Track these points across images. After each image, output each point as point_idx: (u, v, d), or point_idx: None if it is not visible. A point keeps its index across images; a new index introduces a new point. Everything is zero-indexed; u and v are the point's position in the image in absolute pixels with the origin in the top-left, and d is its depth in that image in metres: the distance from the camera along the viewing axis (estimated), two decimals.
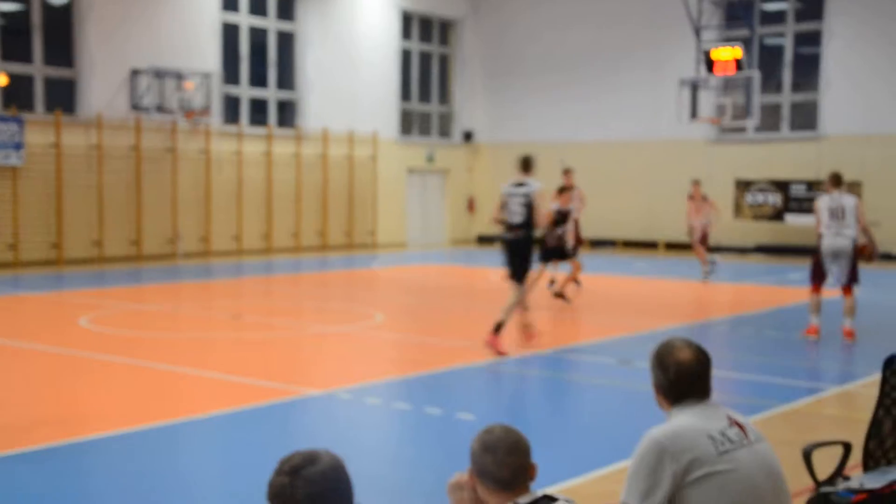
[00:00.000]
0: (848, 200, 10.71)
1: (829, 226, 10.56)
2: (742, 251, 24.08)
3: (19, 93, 19.67)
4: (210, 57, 22.19)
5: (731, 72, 20.80)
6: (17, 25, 19.78)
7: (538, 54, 27.60)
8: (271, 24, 24.25)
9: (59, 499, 5.23)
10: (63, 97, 20.27)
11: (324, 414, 7.46)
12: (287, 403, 7.60)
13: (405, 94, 27.57)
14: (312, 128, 24.60)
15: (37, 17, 19.81)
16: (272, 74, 24.35)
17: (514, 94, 28.27)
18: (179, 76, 21.14)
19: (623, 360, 9.34)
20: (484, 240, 28.62)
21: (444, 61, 29.13)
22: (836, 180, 10.82)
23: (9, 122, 18.73)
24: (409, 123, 27.98)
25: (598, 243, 26.32)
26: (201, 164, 22.23)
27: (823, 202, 10.72)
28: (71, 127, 19.89)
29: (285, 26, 24.56)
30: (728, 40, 22.65)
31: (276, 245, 23.57)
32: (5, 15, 19.73)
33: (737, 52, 20.77)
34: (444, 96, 29.21)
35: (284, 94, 24.69)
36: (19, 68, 19.73)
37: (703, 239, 17.70)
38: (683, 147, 24.99)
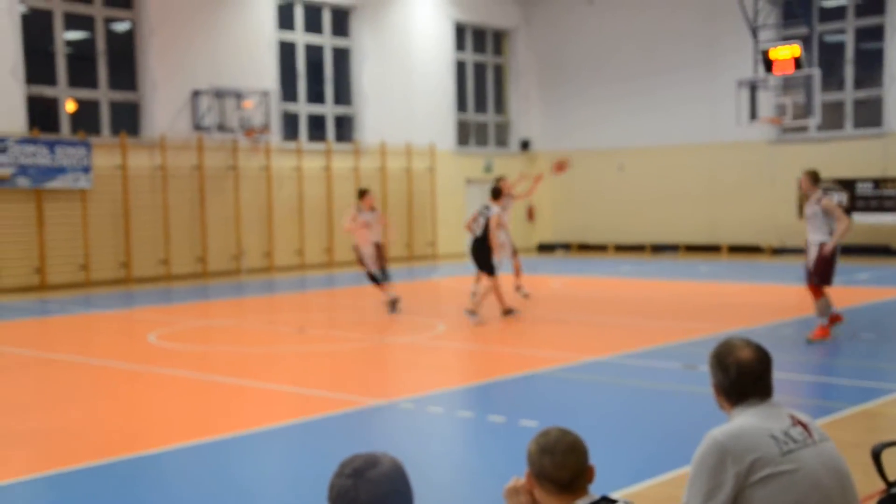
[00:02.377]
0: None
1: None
2: None
3: (86, 117, 20.23)
4: (268, 75, 22.56)
5: (791, 70, 20.47)
6: (83, 52, 20.35)
7: (592, 60, 27.50)
8: (327, 40, 24.56)
9: None
10: (128, 120, 20.79)
11: (388, 424, 7.53)
12: (351, 414, 7.69)
13: (461, 104, 27.68)
14: (370, 141, 24.84)
15: (101, 44, 20.37)
16: (329, 90, 24.65)
17: (570, 102, 28.20)
18: (239, 95, 21.53)
19: (687, 364, 9.26)
20: (545, 248, 28.55)
21: (499, 71, 29.18)
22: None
23: (77, 147, 19.26)
24: (466, 134, 28.08)
25: (659, 248, 26.08)
26: (262, 180, 22.58)
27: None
28: (136, 149, 20.38)
29: (340, 42, 24.85)
30: (786, 39, 22.30)
31: (338, 259, 23.80)
32: (71, 43, 20.31)
33: (795, 50, 20.44)
34: (500, 106, 29.26)
35: (342, 110, 24.97)
36: (86, 94, 20.29)
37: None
38: (743, 149, 24.66)
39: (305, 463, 6.35)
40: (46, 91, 19.66)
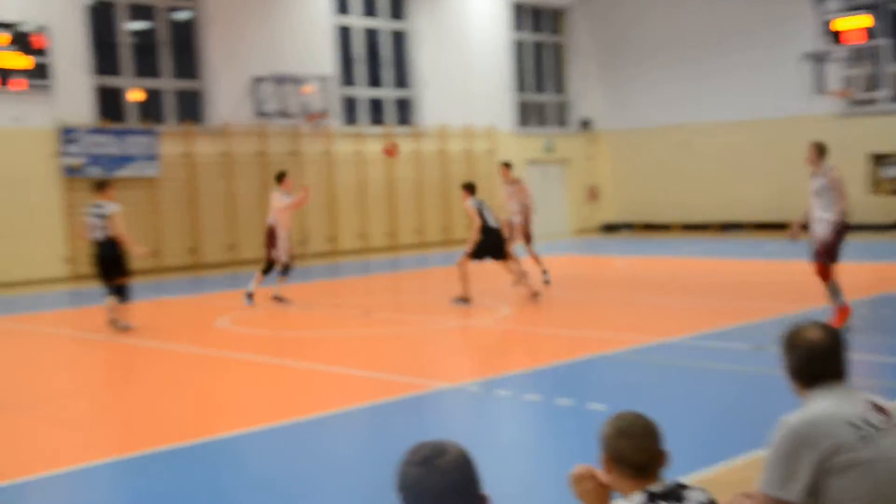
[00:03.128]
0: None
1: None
2: (881, 228, 23.04)
3: (152, 107, 20.59)
4: (326, 60, 22.69)
5: (859, 41, 19.92)
6: (146, 43, 20.69)
7: (652, 37, 27.08)
8: (383, 24, 24.59)
9: (203, 494, 5.48)
10: (192, 108, 21.11)
11: (455, 407, 7.56)
12: (418, 397, 7.73)
13: (520, 84, 27.52)
14: (430, 124, 24.84)
15: (163, 33, 20.69)
16: (387, 74, 24.69)
17: (630, 79, 27.82)
18: (298, 81, 21.70)
19: (757, 345, 9.12)
20: (609, 228, 28.30)
21: (558, 50, 28.93)
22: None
23: (144, 136, 19.63)
24: (526, 114, 27.92)
25: (726, 227, 25.67)
26: (325, 165, 22.76)
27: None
28: (201, 136, 20.69)
29: (397, 25, 24.86)
30: (852, 9, 21.68)
31: (401, 242, 23.91)
32: (135, 34, 20.65)
33: (866, 20, 19.88)
34: (560, 85, 29.01)
35: (401, 93, 25.01)
36: (151, 83, 20.64)
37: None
38: (810, 123, 24.07)
39: (374, 446, 6.42)
40: (113, 81, 20.05)
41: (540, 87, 28.44)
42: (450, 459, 2.23)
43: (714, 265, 15.33)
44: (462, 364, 9.40)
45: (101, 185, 11.66)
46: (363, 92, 24.23)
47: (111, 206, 11.42)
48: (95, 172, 18.93)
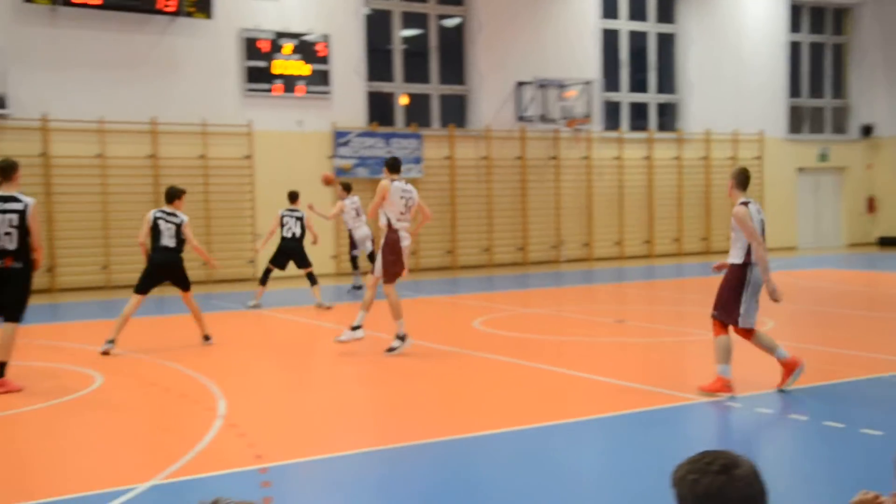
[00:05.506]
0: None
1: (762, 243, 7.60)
2: None
3: (418, 110, 21.36)
4: (590, 65, 22.54)
5: None
6: (416, 49, 21.50)
7: None
8: (651, 27, 24.09)
9: (451, 490, 5.51)
10: (455, 112, 21.69)
11: (712, 421, 7.18)
12: (672, 409, 7.41)
13: (794, 89, 26.04)
14: (694, 130, 24.06)
15: (433, 40, 21.40)
16: (652, 78, 24.17)
17: None
18: (561, 86, 21.71)
19: None
20: (887, 242, 26.15)
21: (838, 52, 27.09)
22: (747, 179, 7.82)
23: (410, 139, 20.40)
24: (799, 120, 26.36)
25: None
26: (583, 171, 22.62)
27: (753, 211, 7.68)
28: (462, 140, 21.21)
29: (665, 28, 24.27)
30: None
31: (658, 250, 23.32)
32: (407, 40, 21.51)
33: None
34: (839, 89, 27.16)
35: (665, 98, 24.40)
36: (418, 88, 21.42)
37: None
38: None
39: (628, 456, 6.20)
40: (384, 87, 20.98)
41: (816, 92, 26.75)
42: (746, 471, 2.12)
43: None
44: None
45: (172, 195, 10.87)
46: (626, 96, 23.86)
47: (184, 217, 10.78)
48: (364, 174, 19.90)
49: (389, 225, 9.93)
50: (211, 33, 18.50)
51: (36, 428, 7.25)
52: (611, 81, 23.44)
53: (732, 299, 7.61)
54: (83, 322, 13.82)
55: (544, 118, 21.68)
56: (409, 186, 10.16)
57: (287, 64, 19.23)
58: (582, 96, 21.90)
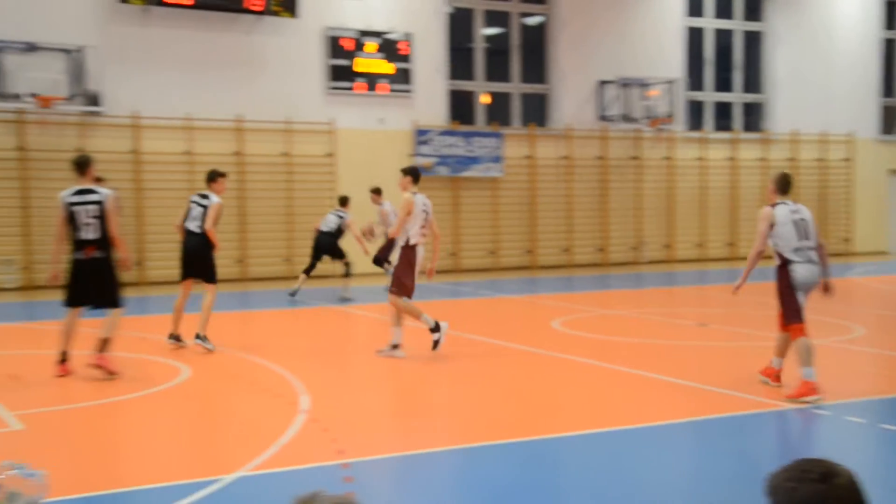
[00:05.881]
0: (807, 212, 7.96)
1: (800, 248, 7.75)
2: None
3: (499, 109, 21.34)
4: (674, 63, 22.23)
5: None
6: (498, 47, 21.48)
7: None
8: (737, 25, 23.64)
9: (529, 491, 5.49)
10: (536, 111, 21.60)
11: (800, 429, 7.02)
12: (758, 415, 7.26)
13: (888, 88, 25.25)
14: (780, 131, 23.53)
15: (515, 38, 21.35)
16: (738, 77, 23.71)
17: None
18: (644, 85, 21.45)
19: None
20: None
21: None
22: (787, 183, 7.97)
23: (491, 138, 20.39)
24: (893, 120, 25.55)
25: None
26: (665, 171, 22.32)
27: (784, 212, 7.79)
28: (543, 139, 21.12)
29: (752, 27, 23.79)
30: None
31: (742, 252, 22.89)
32: (488, 39, 21.49)
33: None
34: None
35: (751, 97, 23.91)
36: (499, 87, 21.40)
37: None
38: None
39: (711, 461, 6.10)
40: (465, 85, 21.02)
41: None
42: (846, 480, 2.07)
43: None
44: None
45: (210, 177, 10.39)
46: (710, 96, 23.45)
47: (215, 199, 10.19)
48: (444, 172, 19.96)
49: (407, 241, 9.60)
50: (296, 32, 18.78)
51: (126, 417, 7.47)
52: (695, 80, 23.06)
53: (784, 300, 7.87)
54: (171, 315, 14.17)
55: (626, 117, 21.44)
56: (428, 200, 9.91)
57: (370, 62, 19.40)
58: (665, 95, 21.59)
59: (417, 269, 9.73)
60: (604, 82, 21.40)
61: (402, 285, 9.63)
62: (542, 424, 7.01)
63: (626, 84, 21.36)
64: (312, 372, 9.00)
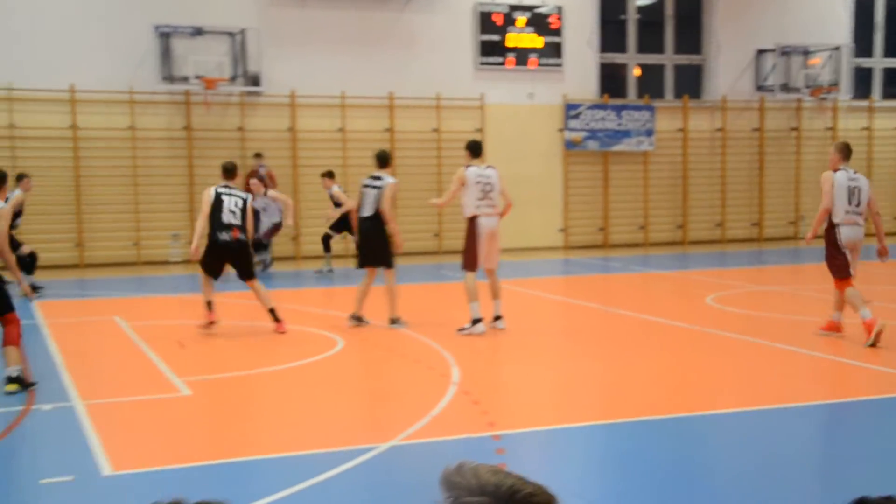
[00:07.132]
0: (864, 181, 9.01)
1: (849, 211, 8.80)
2: None
3: (651, 82, 20.89)
4: (839, 29, 21.17)
5: None
6: (651, 19, 20.99)
7: None
8: None
9: (681, 468, 5.44)
10: (690, 83, 21.02)
11: None
12: None
13: None
14: None
15: (669, 8, 20.81)
16: None
17: None
18: (806, 52, 20.55)
19: None
20: None
21: None
22: (849, 151, 8.95)
23: (642, 111, 20.01)
24: None
25: None
26: (826, 143, 21.32)
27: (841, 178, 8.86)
28: (696, 111, 20.56)
29: None
30: None
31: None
32: (641, 9, 21.02)
33: None
34: None
35: None
36: (652, 59, 20.94)
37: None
38: None
39: (880, 443, 5.87)
40: (617, 58, 20.67)
41: None
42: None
43: None
44: None
45: (384, 159, 10.37)
46: (880, 62, 22.22)
47: (389, 179, 10.13)
48: (593, 146, 19.75)
49: (471, 214, 9.64)
50: (447, 8, 18.91)
51: (285, 386, 7.81)
52: (862, 46, 21.88)
53: (830, 257, 8.86)
54: (324, 289, 14.63)
55: (786, 87, 20.59)
56: (489, 171, 9.78)
57: (520, 37, 19.34)
58: (829, 63, 20.60)
59: (484, 241, 9.71)
60: (762, 51, 20.61)
61: (466, 257, 9.78)
62: (696, 401, 6.91)
63: (786, 52, 20.49)
64: (461, 345, 9.14)
